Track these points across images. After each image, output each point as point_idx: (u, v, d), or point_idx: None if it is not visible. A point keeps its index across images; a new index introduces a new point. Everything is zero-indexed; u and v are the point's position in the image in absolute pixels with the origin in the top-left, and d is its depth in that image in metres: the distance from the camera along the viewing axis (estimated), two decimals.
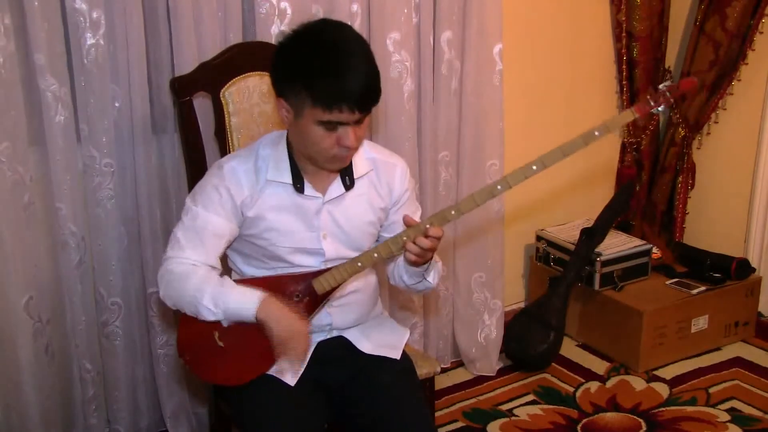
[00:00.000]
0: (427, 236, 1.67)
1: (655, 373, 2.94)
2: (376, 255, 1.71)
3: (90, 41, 2.08)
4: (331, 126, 1.61)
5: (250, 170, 1.75)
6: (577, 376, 2.93)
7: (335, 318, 1.86)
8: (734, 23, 3.07)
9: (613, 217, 3.13)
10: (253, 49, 2.15)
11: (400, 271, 1.88)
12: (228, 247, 1.81)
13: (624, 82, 3.29)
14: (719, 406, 2.72)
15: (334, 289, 1.75)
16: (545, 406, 2.74)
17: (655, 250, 3.23)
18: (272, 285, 1.73)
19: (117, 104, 2.18)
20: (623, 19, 3.20)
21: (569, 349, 3.11)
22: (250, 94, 2.11)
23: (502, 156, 2.77)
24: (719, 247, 3.28)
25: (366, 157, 1.82)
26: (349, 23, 2.38)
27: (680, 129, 3.32)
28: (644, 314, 2.90)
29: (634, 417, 2.66)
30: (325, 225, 1.78)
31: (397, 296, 2.75)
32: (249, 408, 1.76)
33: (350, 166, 1.78)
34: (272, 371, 1.77)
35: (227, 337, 1.73)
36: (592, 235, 3.04)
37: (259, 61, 2.10)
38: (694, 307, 3.02)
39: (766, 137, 3.22)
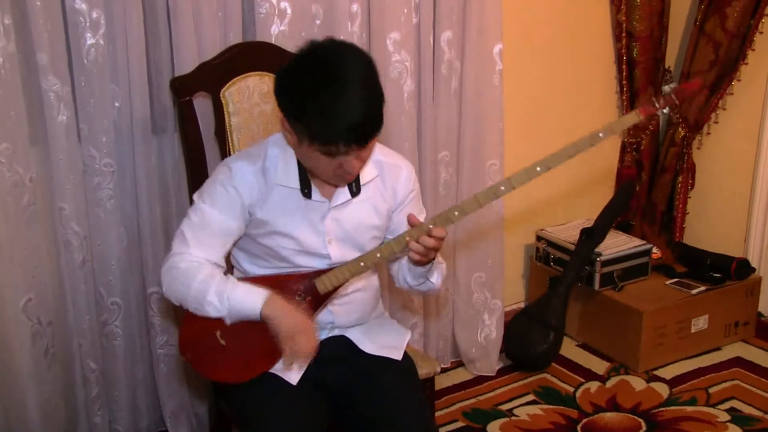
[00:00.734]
0: (430, 236, 1.67)
1: (655, 373, 2.94)
2: (379, 255, 1.71)
3: (90, 41, 2.07)
4: (332, 154, 1.60)
5: (258, 171, 1.74)
6: (577, 376, 2.93)
7: (337, 316, 1.86)
8: (734, 23, 3.07)
9: (613, 217, 3.13)
10: (253, 49, 2.15)
11: (404, 273, 1.89)
12: (234, 245, 1.81)
13: (624, 82, 3.29)
14: (719, 406, 2.72)
15: (336, 289, 1.75)
16: (545, 406, 2.74)
17: (655, 250, 3.23)
18: (275, 284, 1.73)
19: (117, 104, 2.18)
20: (623, 19, 3.20)
21: (569, 349, 3.11)
22: (250, 94, 2.11)
23: (502, 156, 2.77)
24: (719, 247, 3.28)
25: (372, 161, 1.81)
26: (349, 23, 2.39)
27: (680, 129, 3.32)
28: (644, 314, 2.90)
29: (634, 417, 2.66)
30: (330, 230, 1.79)
31: (397, 296, 2.75)
32: (249, 407, 1.76)
33: None
34: (276, 369, 1.77)
35: (229, 336, 1.73)
36: (592, 235, 3.04)
37: (259, 61, 2.10)
38: (694, 307, 3.02)
39: (766, 137, 3.22)
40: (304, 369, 1.79)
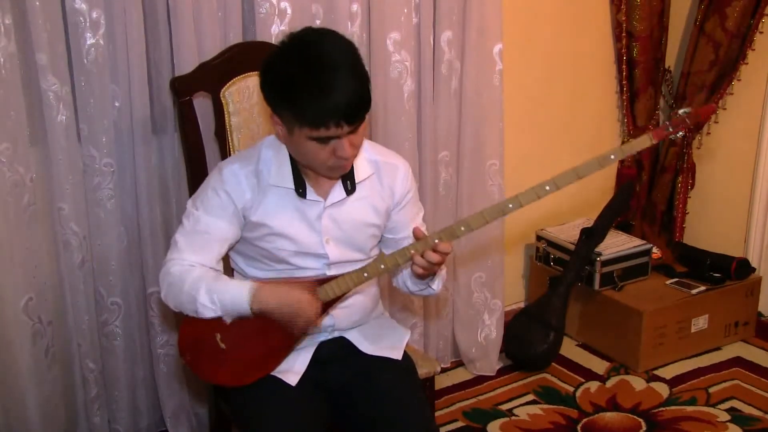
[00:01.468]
0: (435, 251, 1.66)
1: (655, 372, 2.94)
2: (383, 266, 1.70)
3: (90, 41, 2.07)
4: (323, 140, 1.60)
5: (251, 173, 1.74)
6: (577, 376, 2.93)
7: (338, 320, 1.85)
8: (734, 23, 3.07)
9: (613, 217, 3.13)
10: (253, 49, 2.15)
11: (404, 278, 1.89)
12: (230, 249, 1.81)
13: (624, 82, 3.29)
14: (719, 406, 2.72)
15: (339, 298, 1.74)
16: (545, 406, 2.74)
17: (655, 250, 3.23)
18: None
19: (117, 104, 2.18)
20: (623, 19, 3.20)
21: (569, 349, 3.11)
22: (250, 94, 2.11)
23: (501, 156, 2.77)
24: (719, 247, 3.28)
25: (368, 160, 1.81)
26: (349, 23, 2.39)
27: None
28: (644, 314, 2.90)
29: (634, 417, 2.66)
30: (327, 229, 1.78)
31: (397, 297, 2.75)
32: (249, 408, 1.76)
33: (352, 170, 1.77)
34: (275, 371, 1.77)
35: (229, 339, 1.72)
36: (592, 235, 3.04)
37: (259, 61, 2.06)
38: (694, 307, 3.02)
39: (766, 137, 3.22)
40: (302, 373, 1.78)
